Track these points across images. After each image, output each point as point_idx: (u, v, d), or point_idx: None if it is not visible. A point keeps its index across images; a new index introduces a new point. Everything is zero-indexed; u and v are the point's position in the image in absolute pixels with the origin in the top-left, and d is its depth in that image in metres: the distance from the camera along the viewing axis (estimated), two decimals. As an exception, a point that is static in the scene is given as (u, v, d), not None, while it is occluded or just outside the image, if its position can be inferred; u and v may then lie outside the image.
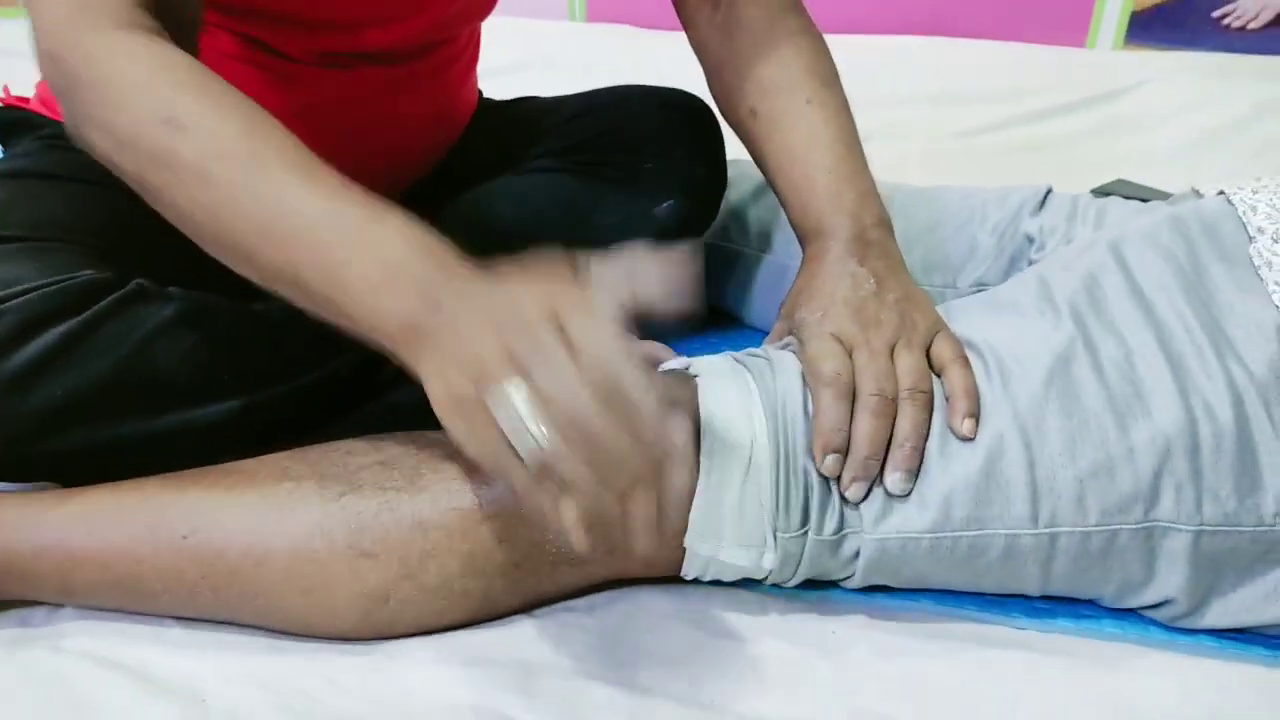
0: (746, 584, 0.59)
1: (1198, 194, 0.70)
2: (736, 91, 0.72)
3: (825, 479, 0.54)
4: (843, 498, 0.54)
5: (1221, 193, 0.65)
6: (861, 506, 0.54)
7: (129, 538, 0.53)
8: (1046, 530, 0.53)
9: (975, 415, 0.54)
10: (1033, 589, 0.57)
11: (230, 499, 0.53)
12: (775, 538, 0.54)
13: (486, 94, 0.94)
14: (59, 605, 0.55)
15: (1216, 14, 1.64)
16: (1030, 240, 0.77)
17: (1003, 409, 0.55)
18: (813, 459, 0.54)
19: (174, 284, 0.60)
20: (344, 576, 0.52)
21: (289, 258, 0.49)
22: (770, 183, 0.71)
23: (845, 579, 0.57)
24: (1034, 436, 0.54)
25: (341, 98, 0.74)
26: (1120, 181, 0.94)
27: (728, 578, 0.57)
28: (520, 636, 0.55)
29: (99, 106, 0.52)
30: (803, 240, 0.67)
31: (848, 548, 0.55)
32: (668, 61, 1.73)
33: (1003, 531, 0.54)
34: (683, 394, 0.56)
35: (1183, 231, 0.61)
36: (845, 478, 0.54)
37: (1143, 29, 1.69)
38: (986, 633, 0.57)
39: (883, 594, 0.59)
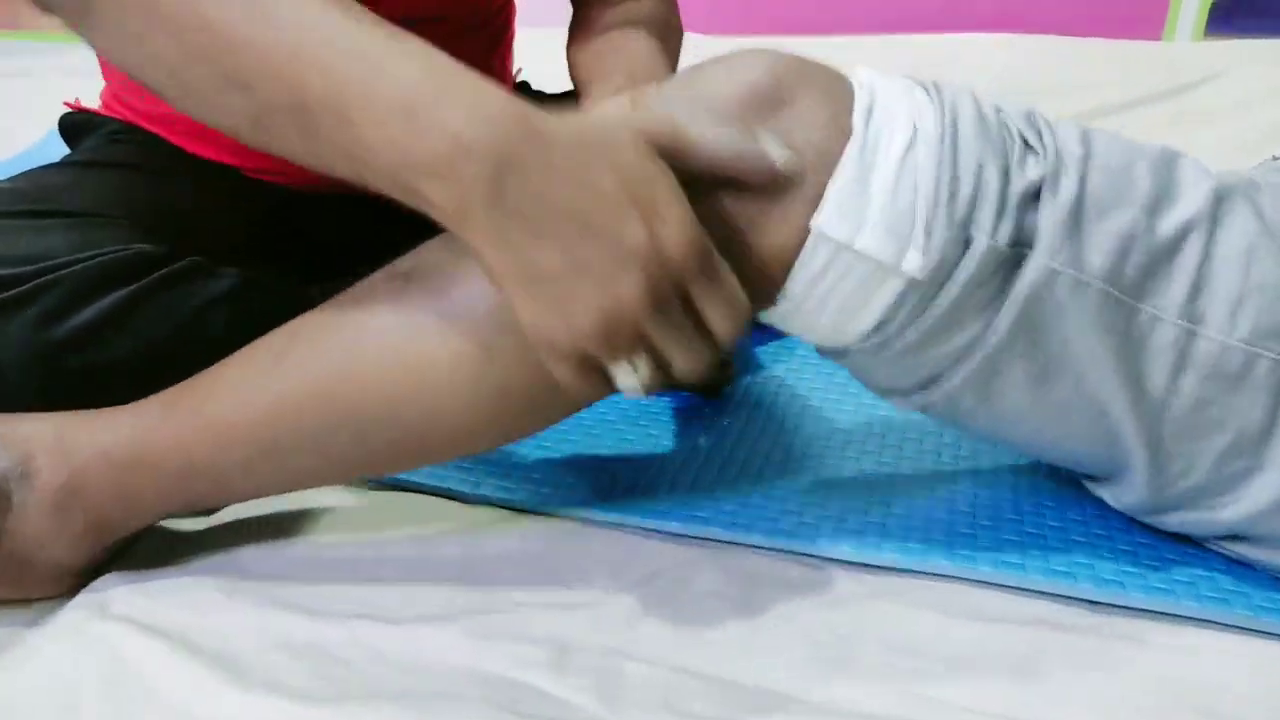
0: (789, 560, 0.57)
1: (1276, 158, 0.67)
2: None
3: (1004, 180, 0.47)
4: (1020, 205, 0.47)
5: None
6: (1040, 227, 0.47)
7: (227, 385, 0.52)
8: (1188, 325, 0.49)
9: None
10: (1151, 406, 0.50)
11: (311, 317, 0.53)
12: (929, 234, 0.46)
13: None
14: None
15: (1303, -1, 1.58)
16: None
17: (1203, 184, 0.50)
18: (988, 154, 0.47)
19: (225, 265, 0.61)
20: (437, 336, 0.49)
21: (299, 84, 0.44)
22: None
23: (944, 373, 0.50)
24: (1222, 223, 0.49)
25: None
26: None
27: (828, 315, 0.48)
28: (557, 613, 0.54)
29: None
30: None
31: (1009, 270, 0.47)
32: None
33: (1150, 309, 0.48)
34: (838, 84, 0.49)
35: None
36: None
37: (1224, 19, 1.63)
38: (1049, 613, 0.54)
39: (941, 557, 0.57)
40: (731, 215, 0.47)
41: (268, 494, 0.57)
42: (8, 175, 0.68)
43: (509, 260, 0.44)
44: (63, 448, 0.52)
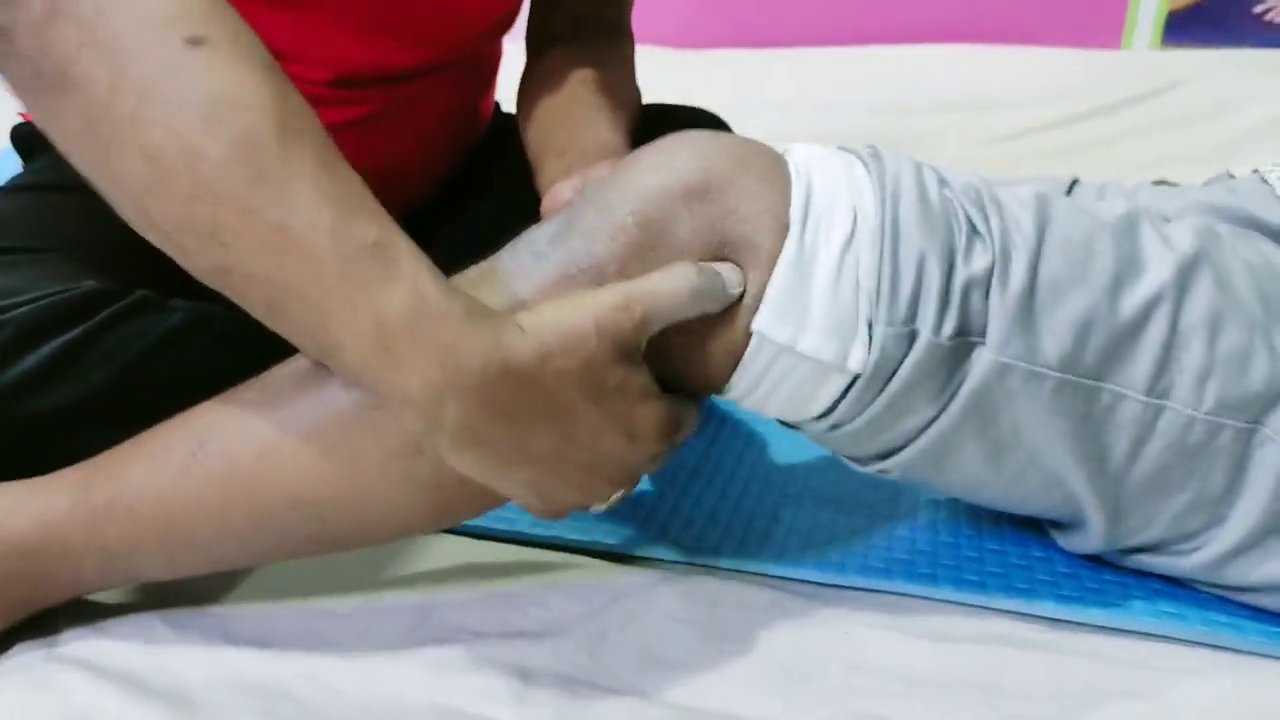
0: (752, 582, 0.57)
1: (1231, 176, 0.68)
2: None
3: (948, 271, 0.46)
4: (965, 297, 0.46)
5: (1256, 171, 0.63)
6: (991, 318, 0.47)
7: (143, 473, 0.49)
8: (1155, 402, 0.48)
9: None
10: (1111, 475, 0.50)
11: (229, 406, 0.50)
12: (871, 331, 0.46)
13: (505, 109, 0.94)
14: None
15: (1258, 9, 1.60)
16: None
17: (1165, 255, 0.49)
18: (931, 243, 0.46)
19: (180, 294, 0.60)
20: (362, 436, 0.47)
21: (277, 267, 0.41)
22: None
23: (899, 448, 0.50)
24: (1188, 293, 0.48)
25: (348, 118, 0.74)
26: (1159, 183, 0.91)
27: (777, 403, 0.49)
28: (520, 640, 0.53)
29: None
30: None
31: (957, 365, 0.47)
32: (692, 79, 1.74)
33: (1114, 387, 0.48)
34: (774, 169, 0.48)
35: (1219, 209, 0.58)
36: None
37: (1180, 29, 1.66)
38: (1009, 631, 0.54)
39: (901, 577, 0.57)
40: (679, 330, 0.47)
41: (190, 576, 0.54)
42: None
43: (479, 470, 0.45)
44: None
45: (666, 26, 1.88)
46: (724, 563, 0.59)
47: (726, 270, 0.46)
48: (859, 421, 0.48)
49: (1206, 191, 0.63)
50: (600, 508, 0.50)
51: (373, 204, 0.43)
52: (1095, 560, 0.59)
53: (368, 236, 0.42)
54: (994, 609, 0.56)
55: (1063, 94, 1.51)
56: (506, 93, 0.87)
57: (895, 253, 0.46)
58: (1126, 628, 0.55)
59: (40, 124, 0.44)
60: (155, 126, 0.40)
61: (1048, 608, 0.55)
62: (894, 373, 0.47)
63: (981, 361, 0.47)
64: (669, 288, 0.45)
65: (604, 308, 0.44)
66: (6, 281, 0.56)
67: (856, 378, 0.47)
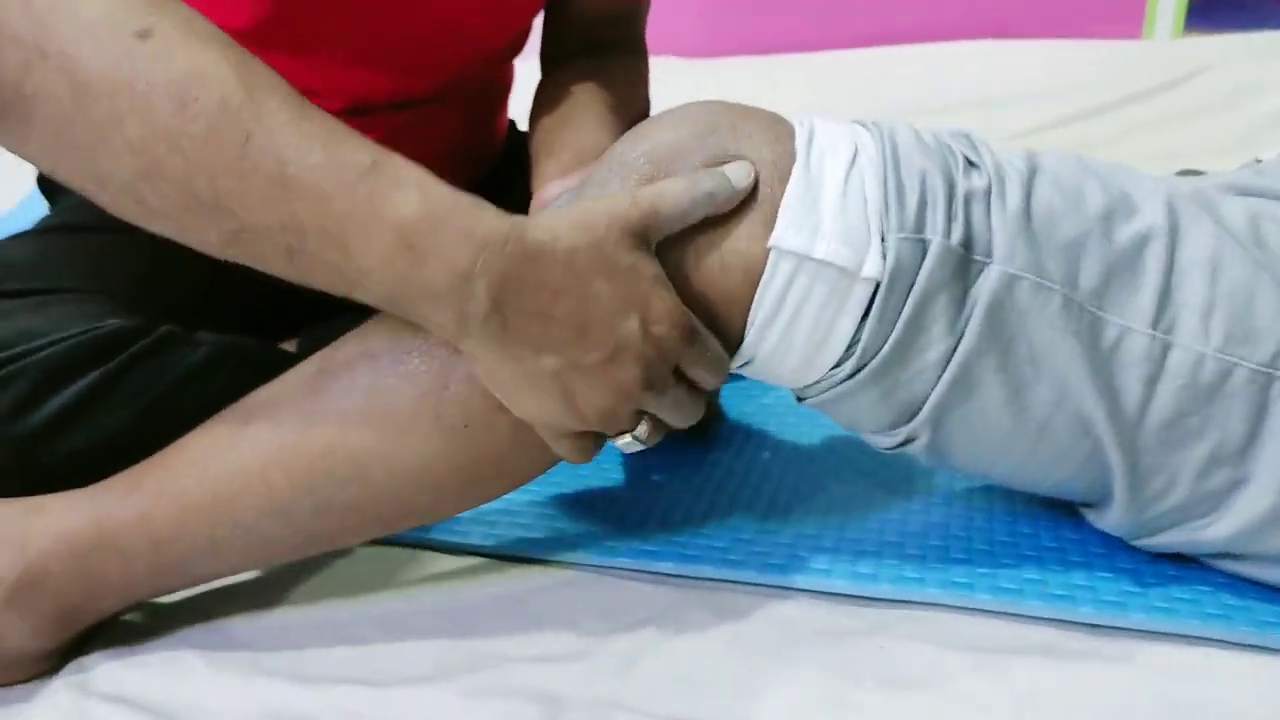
0: (782, 597, 0.56)
1: (1258, 161, 0.66)
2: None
3: (950, 186, 0.48)
4: (968, 209, 0.47)
5: None
6: (994, 233, 0.48)
7: (190, 456, 0.51)
8: (1160, 336, 0.48)
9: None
10: (1128, 417, 0.49)
11: (272, 386, 0.53)
12: (885, 240, 0.47)
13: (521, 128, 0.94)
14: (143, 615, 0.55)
15: (1281, -8, 1.58)
16: None
17: (1158, 196, 0.50)
18: (930, 164, 0.48)
19: (203, 326, 0.60)
20: (393, 380, 0.50)
21: (288, 213, 0.42)
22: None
23: (920, 403, 0.49)
24: (1184, 233, 0.49)
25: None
26: (1186, 172, 0.90)
27: (799, 340, 0.48)
28: (547, 665, 0.53)
29: (22, 9, 0.41)
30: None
31: (968, 283, 0.48)
32: (708, 89, 1.74)
33: (1117, 319, 0.49)
34: (777, 119, 0.51)
35: (1244, 188, 0.58)
36: None
37: (1202, 14, 1.63)
38: (1049, 640, 0.53)
39: (936, 586, 0.56)
40: (694, 255, 0.48)
41: (236, 571, 0.55)
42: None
43: (508, 367, 0.46)
44: (17, 539, 0.51)
45: (681, 37, 1.88)
46: (753, 577, 0.59)
47: (733, 167, 0.48)
48: (884, 351, 0.48)
49: (1232, 175, 0.62)
50: (628, 439, 0.49)
51: (355, 134, 0.44)
52: (1135, 562, 0.57)
53: (363, 160, 0.43)
54: (1032, 616, 0.55)
55: (1083, 87, 1.49)
56: (522, 108, 0.88)
57: (898, 170, 0.48)
58: (1170, 631, 0.53)
59: (16, 152, 0.45)
60: (130, 119, 0.41)
61: (1088, 614, 0.54)
62: (911, 284, 0.47)
63: (991, 277, 0.48)
64: (673, 185, 0.47)
65: (612, 201, 0.46)
66: (32, 323, 0.56)
67: (876, 290, 0.47)
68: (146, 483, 0.52)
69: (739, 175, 0.48)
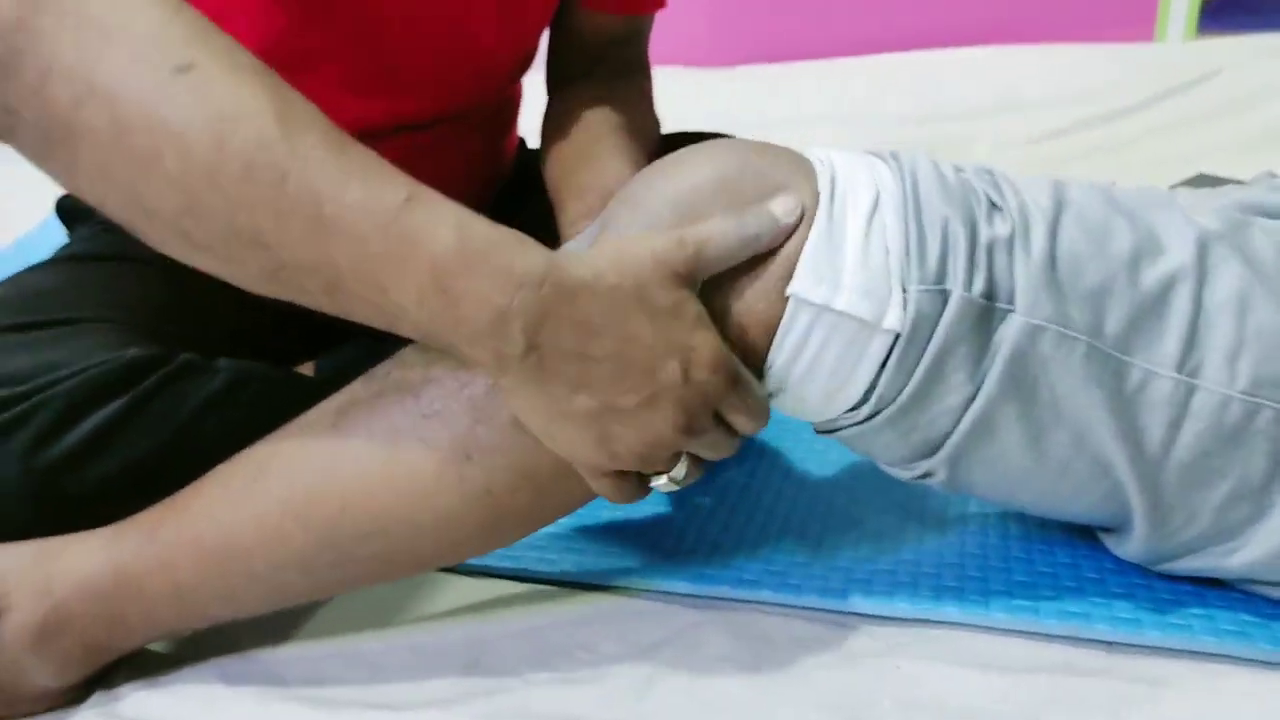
0: (798, 617, 0.56)
1: (1273, 175, 0.66)
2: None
3: (972, 234, 0.47)
4: (990, 258, 0.47)
5: None
6: (1018, 281, 0.47)
7: (206, 504, 0.51)
8: (1186, 379, 0.48)
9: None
10: (1150, 459, 0.49)
11: (289, 432, 0.52)
12: (906, 291, 0.47)
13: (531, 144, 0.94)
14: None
15: (1294, -7, 1.57)
16: None
17: (1187, 235, 0.49)
18: (953, 210, 0.47)
19: (222, 352, 0.61)
20: (414, 444, 0.49)
21: (325, 252, 0.43)
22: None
23: (941, 440, 0.49)
24: (1211, 273, 0.49)
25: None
26: (1201, 176, 0.90)
27: (819, 382, 0.48)
28: (566, 688, 0.53)
29: (74, 44, 0.42)
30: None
31: (990, 332, 0.47)
32: (720, 97, 1.74)
33: (1142, 364, 0.48)
34: (798, 158, 0.50)
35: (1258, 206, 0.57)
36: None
37: (1214, 16, 1.62)
38: (1064, 658, 0.54)
39: (952, 604, 0.56)
40: (719, 297, 0.47)
41: (255, 614, 0.55)
42: (12, 259, 0.68)
43: (545, 404, 0.45)
44: (42, 581, 0.51)
45: (692, 46, 1.88)
46: (769, 598, 0.59)
47: (776, 202, 0.47)
48: (902, 398, 0.48)
49: (1246, 190, 0.62)
50: (664, 480, 0.49)
51: (392, 169, 0.44)
52: (1149, 579, 0.57)
53: (399, 196, 0.43)
54: (1047, 634, 0.55)
55: (1096, 91, 1.49)
56: (531, 124, 0.89)
57: (919, 218, 0.47)
58: (1186, 649, 0.53)
59: (63, 184, 0.46)
60: (169, 155, 0.42)
61: (1103, 630, 0.54)
62: (931, 334, 0.47)
63: (1013, 327, 0.47)
64: (720, 225, 0.46)
65: (658, 241, 0.46)
66: (53, 355, 0.57)
67: (895, 341, 0.47)
68: (163, 530, 0.52)
69: (784, 211, 0.47)
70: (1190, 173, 1.11)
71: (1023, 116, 1.49)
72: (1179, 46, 1.64)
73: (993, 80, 1.61)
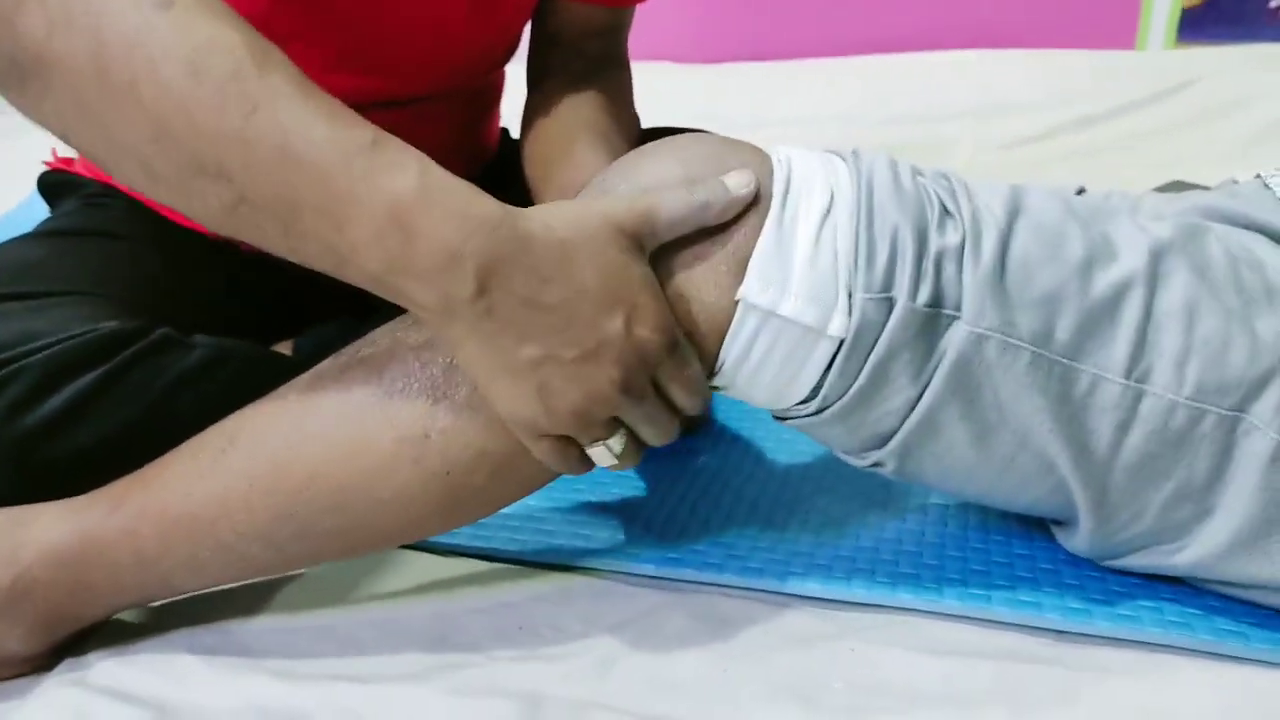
0: (758, 600, 0.58)
1: (1235, 181, 0.68)
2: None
3: (921, 243, 0.48)
4: (938, 267, 0.48)
5: (1258, 176, 0.63)
6: (965, 290, 0.48)
7: (175, 475, 0.52)
8: (1135, 385, 0.49)
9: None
10: (1097, 460, 0.51)
11: (259, 407, 0.53)
12: (851, 298, 0.48)
13: (513, 134, 0.95)
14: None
15: (1273, 3, 1.59)
16: None
17: (1140, 243, 0.51)
18: (904, 218, 0.48)
19: (201, 329, 0.62)
20: (376, 421, 0.50)
21: (286, 186, 0.43)
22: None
23: (889, 434, 0.51)
24: (1163, 281, 0.50)
25: None
26: (1176, 183, 0.91)
27: (766, 379, 0.50)
28: (530, 665, 0.55)
29: None
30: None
31: (935, 338, 0.49)
32: (707, 95, 1.75)
33: (1091, 369, 0.49)
34: (756, 156, 0.51)
35: (1217, 211, 0.59)
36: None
37: (1194, 26, 1.65)
38: (1015, 645, 0.55)
39: (907, 591, 0.58)
40: (673, 297, 0.49)
41: (220, 584, 0.56)
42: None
43: (489, 355, 0.46)
44: (9, 549, 0.52)
45: (680, 42, 1.90)
46: (731, 581, 0.60)
47: (730, 175, 0.48)
48: (847, 398, 0.49)
49: (1208, 196, 0.63)
50: (602, 450, 0.49)
51: (359, 116, 0.45)
52: (1101, 571, 0.59)
53: (364, 138, 0.44)
54: (999, 621, 0.57)
55: (1077, 96, 1.51)
56: (511, 113, 0.89)
57: (870, 225, 0.48)
58: (1133, 638, 0.55)
59: (30, 115, 0.46)
60: (145, 83, 0.43)
61: (1054, 620, 0.56)
62: (875, 341, 0.48)
63: (958, 334, 0.49)
64: (670, 193, 0.48)
65: (609, 201, 0.47)
66: (31, 325, 0.58)
67: (840, 346, 0.48)
68: (130, 499, 0.53)
69: (738, 184, 0.48)
70: (1167, 179, 1.13)
71: (1005, 120, 1.51)
72: (1159, 55, 1.66)
73: (976, 84, 1.62)
